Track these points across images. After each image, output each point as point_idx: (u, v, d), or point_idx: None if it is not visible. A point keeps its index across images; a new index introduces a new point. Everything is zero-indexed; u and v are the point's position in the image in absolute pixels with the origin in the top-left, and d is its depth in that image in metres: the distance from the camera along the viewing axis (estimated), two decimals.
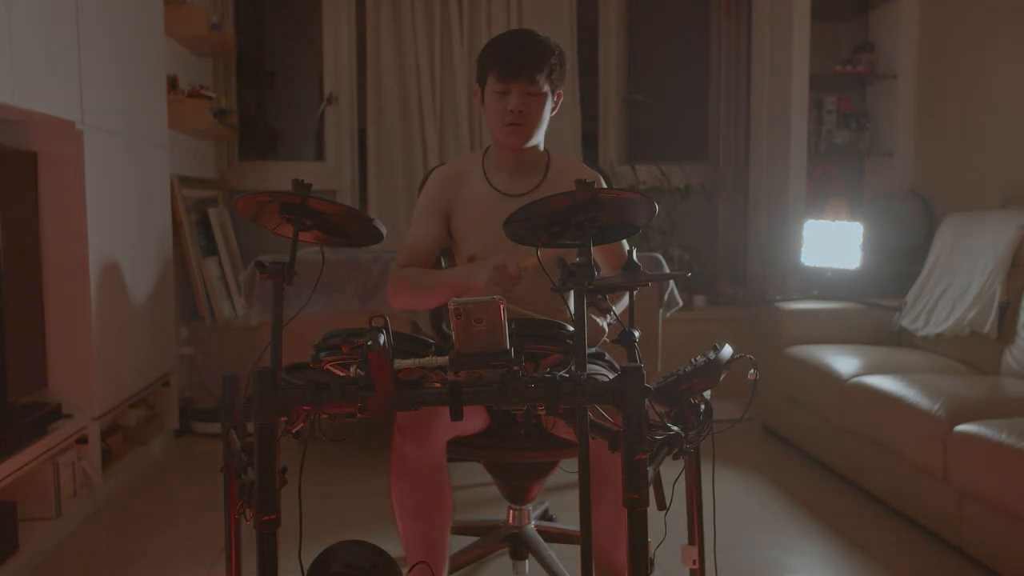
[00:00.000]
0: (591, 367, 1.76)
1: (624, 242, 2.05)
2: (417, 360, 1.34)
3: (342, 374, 1.39)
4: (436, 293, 1.89)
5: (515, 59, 1.87)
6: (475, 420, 1.87)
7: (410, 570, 1.73)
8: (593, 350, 1.92)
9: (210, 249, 4.04)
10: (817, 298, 3.66)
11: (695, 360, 1.44)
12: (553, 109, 1.96)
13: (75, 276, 2.63)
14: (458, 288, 1.80)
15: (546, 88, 1.90)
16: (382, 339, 1.23)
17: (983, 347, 2.95)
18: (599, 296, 1.74)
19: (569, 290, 1.36)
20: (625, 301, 1.97)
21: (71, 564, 2.35)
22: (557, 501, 2.67)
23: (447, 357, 1.30)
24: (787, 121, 4.05)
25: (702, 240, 4.53)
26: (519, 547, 2.14)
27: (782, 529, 2.59)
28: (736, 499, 2.83)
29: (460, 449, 1.90)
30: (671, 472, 1.52)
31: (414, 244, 2.00)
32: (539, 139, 1.99)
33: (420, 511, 1.74)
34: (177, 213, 3.67)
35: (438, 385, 1.34)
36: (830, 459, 3.09)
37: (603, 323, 1.87)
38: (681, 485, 1.53)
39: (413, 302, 1.95)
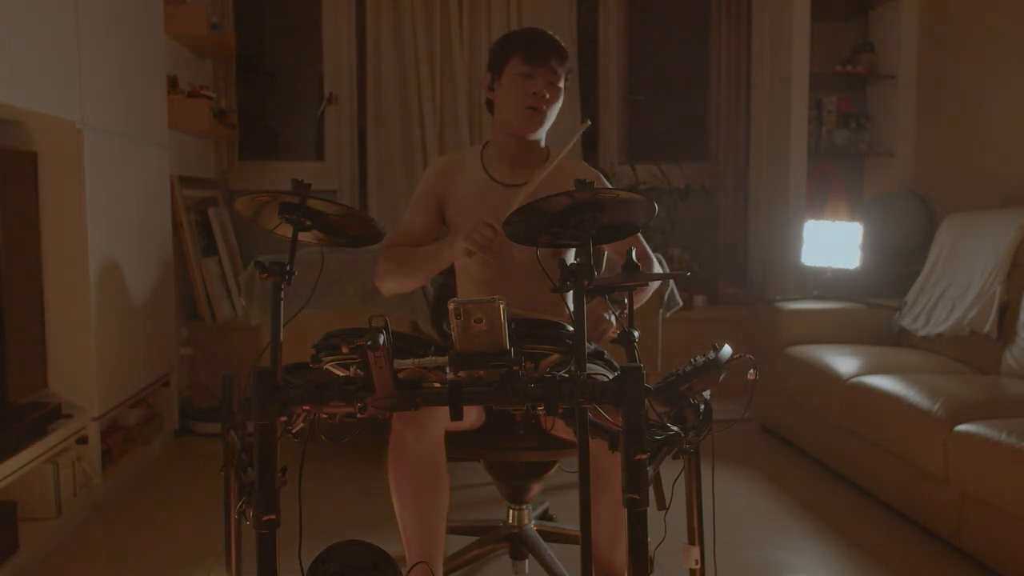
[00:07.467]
0: (589, 366, 1.76)
1: (640, 236, 2.06)
2: (417, 360, 1.34)
3: (342, 374, 1.39)
4: (416, 267, 1.92)
5: (544, 45, 1.93)
6: (472, 413, 1.88)
7: (410, 570, 1.73)
8: (592, 348, 1.92)
9: (210, 249, 4.03)
10: (817, 298, 3.65)
11: (695, 360, 1.44)
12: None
13: (75, 276, 2.63)
14: (440, 256, 1.83)
15: (562, 84, 1.96)
16: (382, 339, 1.23)
17: (983, 347, 2.94)
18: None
19: (568, 291, 1.36)
20: (644, 297, 1.98)
21: (71, 564, 2.35)
22: (557, 501, 2.66)
23: (447, 357, 1.30)
24: (787, 121, 4.05)
25: (702, 240, 4.53)
26: (519, 547, 2.14)
27: (782, 529, 2.59)
28: (736, 499, 2.83)
29: (459, 449, 1.90)
30: (671, 472, 1.52)
31: (406, 229, 2.02)
32: (542, 135, 2.03)
33: (418, 496, 1.74)
34: (177, 213, 3.67)
35: (438, 385, 1.34)
36: (830, 459, 3.09)
37: (611, 317, 1.87)
38: (681, 485, 1.53)
39: (399, 284, 1.97)
